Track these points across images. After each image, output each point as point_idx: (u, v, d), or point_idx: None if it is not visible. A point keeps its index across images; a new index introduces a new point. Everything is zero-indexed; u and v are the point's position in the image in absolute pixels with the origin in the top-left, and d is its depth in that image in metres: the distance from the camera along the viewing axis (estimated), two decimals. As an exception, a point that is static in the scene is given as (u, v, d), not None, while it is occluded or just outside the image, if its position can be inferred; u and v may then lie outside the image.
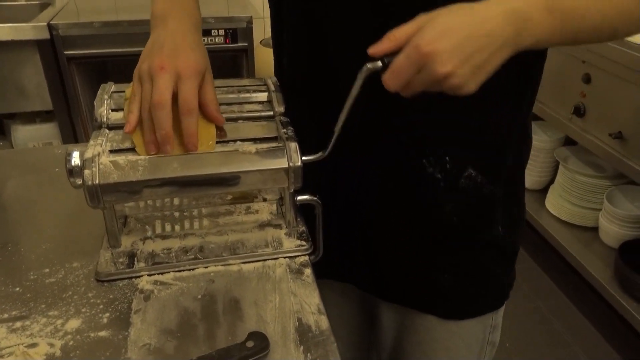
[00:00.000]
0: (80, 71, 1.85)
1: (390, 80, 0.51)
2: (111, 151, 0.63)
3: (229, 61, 2.02)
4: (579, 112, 1.74)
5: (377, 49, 0.51)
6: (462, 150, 0.65)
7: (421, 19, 0.50)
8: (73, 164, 0.60)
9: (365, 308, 0.85)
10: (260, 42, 2.23)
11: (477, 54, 0.48)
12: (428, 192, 0.67)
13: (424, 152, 0.66)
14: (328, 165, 0.66)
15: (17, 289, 0.63)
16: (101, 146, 0.61)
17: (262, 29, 2.34)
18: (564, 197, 1.99)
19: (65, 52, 1.75)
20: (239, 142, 0.66)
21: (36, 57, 1.79)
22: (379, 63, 0.52)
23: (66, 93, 1.84)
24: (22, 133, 1.96)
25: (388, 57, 0.51)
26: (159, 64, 0.59)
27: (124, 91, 0.70)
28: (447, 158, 0.65)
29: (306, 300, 0.61)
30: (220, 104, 0.70)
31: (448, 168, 0.66)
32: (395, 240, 0.73)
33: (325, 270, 0.73)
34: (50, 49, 1.76)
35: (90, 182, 0.58)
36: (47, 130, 1.95)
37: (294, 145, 0.63)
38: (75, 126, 1.90)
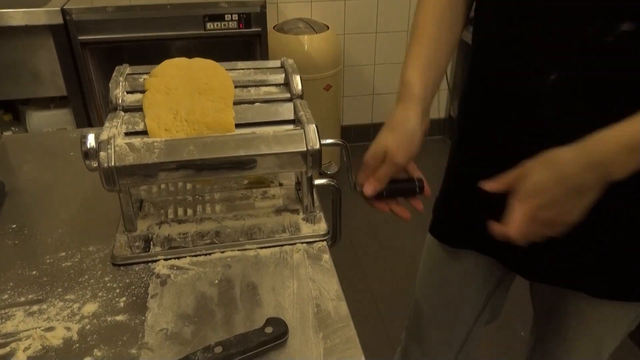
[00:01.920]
0: (94, 56, 1.84)
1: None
2: (126, 133, 0.62)
3: (242, 46, 2.00)
4: None
5: (488, 185, 0.59)
6: None
7: (518, 172, 0.56)
8: (88, 146, 0.59)
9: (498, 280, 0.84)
10: (273, 28, 2.20)
11: (568, 204, 0.54)
12: None
13: None
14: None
15: (34, 272, 0.63)
16: (116, 128, 0.60)
17: (276, 14, 2.31)
18: None
19: (79, 37, 1.74)
20: (256, 125, 0.64)
21: (50, 42, 1.78)
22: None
23: (80, 78, 1.83)
24: (37, 119, 1.96)
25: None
26: None
27: (139, 73, 0.69)
28: None
29: (325, 287, 0.60)
30: (237, 86, 0.69)
31: None
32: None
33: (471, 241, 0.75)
34: (63, 34, 1.75)
35: (105, 165, 0.57)
36: (61, 116, 1.95)
37: (312, 128, 0.61)
38: (89, 112, 1.90)
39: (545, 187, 0.54)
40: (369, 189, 0.63)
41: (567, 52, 0.56)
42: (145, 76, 0.68)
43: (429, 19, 0.67)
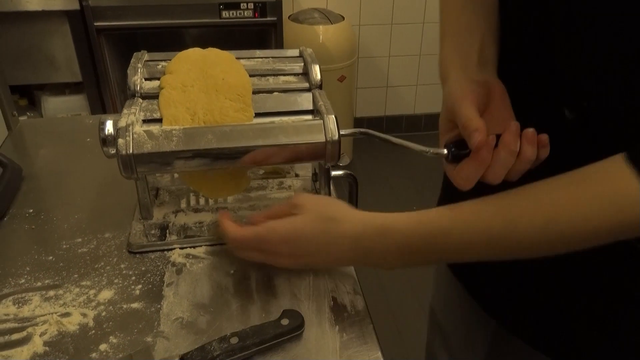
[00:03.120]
0: (110, 43, 1.84)
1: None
2: (144, 120, 0.61)
3: (257, 36, 1.99)
4: None
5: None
6: None
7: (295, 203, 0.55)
8: (107, 132, 0.58)
9: None
10: (288, 17, 2.18)
11: (292, 257, 0.55)
12: None
13: None
14: None
15: (50, 257, 0.63)
16: (135, 115, 0.60)
17: (291, 4, 2.30)
18: None
19: (95, 24, 1.75)
20: (274, 115, 0.63)
21: (66, 28, 1.79)
22: (444, 150, 0.54)
23: (95, 65, 1.84)
24: (52, 104, 1.97)
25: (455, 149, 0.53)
26: None
27: (157, 60, 0.68)
28: None
29: (341, 280, 0.59)
30: (255, 75, 0.68)
31: None
32: None
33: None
34: (80, 19, 1.75)
35: (124, 152, 0.56)
36: (76, 102, 1.96)
37: (332, 118, 0.61)
38: (103, 98, 1.91)
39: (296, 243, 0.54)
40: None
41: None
42: (163, 63, 0.68)
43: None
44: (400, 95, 2.64)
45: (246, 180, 0.69)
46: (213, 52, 0.69)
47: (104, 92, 1.90)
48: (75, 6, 1.73)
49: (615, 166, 0.43)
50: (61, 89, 1.97)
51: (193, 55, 0.68)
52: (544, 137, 0.48)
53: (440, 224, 0.50)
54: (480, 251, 0.49)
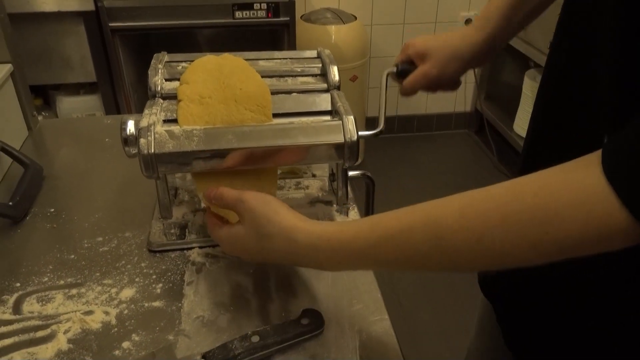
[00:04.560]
0: (124, 44, 1.86)
1: None
2: (165, 121, 0.62)
3: (270, 36, 1.99)
4: None
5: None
6: None
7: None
8: (128, 133, 0.59)
9: None
10: (301, 17, 2.19)
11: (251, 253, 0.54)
12: None
13: None
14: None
15: (72, 256, 0.64)
16: (156, 115, 0.60)
17: (303, 4, 2.30)
18: None
19: (110, 24, 1.76)
20: (293, 115, 0.64)
21: (81, 28, 1.80)
22: (395, 68, 0.76)
23: (109, 65, 1.85)
24: (67, 104, 1.99)
25: (403, 64, 0.75)
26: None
27: (177, 61, 0.69)
28: None
29: (360, 279, 0.60)
30: (274, 76, 0.68)
31: None
32: None
33: None
34: (95, 20, 1.77)
35: (145, 151, 0.57)
36: (90, 102, 1.98)
37: (351, 119, 0.61)
38: (117, 98, 1.92)
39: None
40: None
41: None
42: (183, 64, 0.68)
43: None
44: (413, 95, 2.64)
45: (274, 187, 0.66)
46: (227, 59, 0.68)
47: (118, 92, 1.91)
48: (90, 7, 1.74)
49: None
50: (76, 89, 1.99)
51: (208, 63, 0.66)
52: None
53: (366, 239, 0.46)
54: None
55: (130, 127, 0.59)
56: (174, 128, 0.59)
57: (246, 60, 0.71)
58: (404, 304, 1.72)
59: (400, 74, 0.76)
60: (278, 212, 0.51)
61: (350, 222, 0.50)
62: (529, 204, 0.37)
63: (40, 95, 2.04)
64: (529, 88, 2.13)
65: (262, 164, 0.61)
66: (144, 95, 0.64)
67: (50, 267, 0.62)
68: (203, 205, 0.64)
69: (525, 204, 0.37)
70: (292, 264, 0.59)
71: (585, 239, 0.36)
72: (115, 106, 1.94)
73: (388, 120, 2.88)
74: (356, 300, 0.57)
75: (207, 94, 0.62)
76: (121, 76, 1.88)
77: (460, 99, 2.67)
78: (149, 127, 0.58)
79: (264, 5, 1.79)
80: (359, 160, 2.63)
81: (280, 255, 0.51)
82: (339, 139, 0.61)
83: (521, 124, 2.22)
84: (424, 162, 2.50)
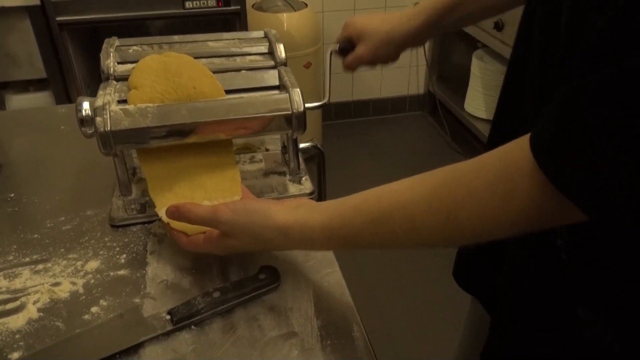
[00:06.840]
0: (73, 38, 1.83)
1: None
2: (119, 101, 0.65)
3: (222, 25, 2.01)
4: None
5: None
6: None
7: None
8: (84, 113, 0.62)
9: None
10: (252, 6, 2.21)
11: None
12: None
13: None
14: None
15: (36, 235, 0.66)
16: (110, 96, 0.63)
17: (254, -7, 2.32)
18: None
19: (57, 19, 1.74)
20: (243, 91, 0.68)
21: (27, 23, 1.77)
22: (337, 46, 0.83)
23: (59, 60, 1.83)
24: (16, 102, 1.95)
25: (343, 42, 0.83)
26: None
27: (128, 45, 0.72)
28: None
29: (313, 239, 0.64)
30: (223, 56, 0.72)
31: None
32: None
33: None
34: (41, 15, 1.74)
35: (102, 129, 0.60)
36: (41, 99, 1.95)
37: (297, 92, 0.65)
38: (70, 94, 1.90)
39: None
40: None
41: None
42: (135, 47, 0.71)
43: None
44: (367, 80, 2.70)
45: (232, 161, 0.67)
46: (171, 57, 0.66)
47: (69, 87, 1.89)
48: (36, 1, 1.71)
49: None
50: (25, 86, 1.95)
51: (152, 63, 0.65)
52: None
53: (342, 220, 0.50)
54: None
55: (86, 107, 0.62)
56: (129, 106, 0.62)
57: (195, 42, 0.75)
58: (357, 258, 1.79)
59: (342, 52, 0.84)
60: (268, 215, 0.53)
61: (334, 209, 0.52)
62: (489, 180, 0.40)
63: (-12, 94, 1.99)
64: (477, 68, 2.22)
65: (216, 137, 0.65)
66: (96, 90, 0.65)
67: (15, 246, 0.64)
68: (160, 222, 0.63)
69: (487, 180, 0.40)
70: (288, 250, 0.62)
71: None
72: (67, 102, 1.91)
73: (344, 105, 2.92)
74: (310, 257, 0.62)
75: (159, 97, 0.63)
76: (72, 71, 1.86)
77: (413, 82, 2.75)
78: (104, 106, 0.61)
79: (214, -5, 1.81)
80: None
81: (278, 245, 0.55)
82: (287, 110, 0.65)
83: (472, 103, 2.31)
84: (381, 144, 2.57)
